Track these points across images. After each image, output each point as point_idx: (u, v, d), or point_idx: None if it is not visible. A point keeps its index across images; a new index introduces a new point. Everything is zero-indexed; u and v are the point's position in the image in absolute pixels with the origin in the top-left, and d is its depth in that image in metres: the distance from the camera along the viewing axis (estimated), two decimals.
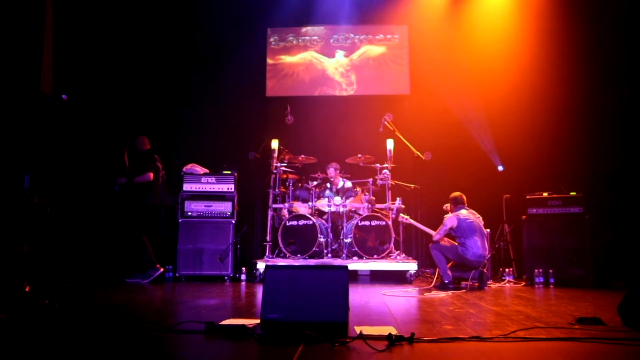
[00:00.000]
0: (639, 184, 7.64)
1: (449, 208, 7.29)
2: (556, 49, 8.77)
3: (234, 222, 7.91)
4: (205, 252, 7.79)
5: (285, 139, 8.51)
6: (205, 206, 7.89)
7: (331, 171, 8.60)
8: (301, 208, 8.18)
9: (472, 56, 9.23)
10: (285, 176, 8.34)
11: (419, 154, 8.19)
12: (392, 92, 9.78)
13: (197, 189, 7.98)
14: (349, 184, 8.60)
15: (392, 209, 7.92)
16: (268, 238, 8.03)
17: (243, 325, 3.94)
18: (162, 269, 7.70)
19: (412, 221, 7.54)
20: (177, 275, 7.75)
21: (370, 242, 7.56)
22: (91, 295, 6.04)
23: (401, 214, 7.68)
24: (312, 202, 8.05)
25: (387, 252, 7.58)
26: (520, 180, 8.59)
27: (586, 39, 8.56)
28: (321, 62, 9.96)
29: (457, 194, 7.20)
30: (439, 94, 9.32)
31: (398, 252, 7.81)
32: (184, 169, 8.13)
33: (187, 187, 8.00)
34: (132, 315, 4.59)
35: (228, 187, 8.03)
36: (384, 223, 7.65)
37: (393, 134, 8.26)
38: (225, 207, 7.91)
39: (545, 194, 7.73)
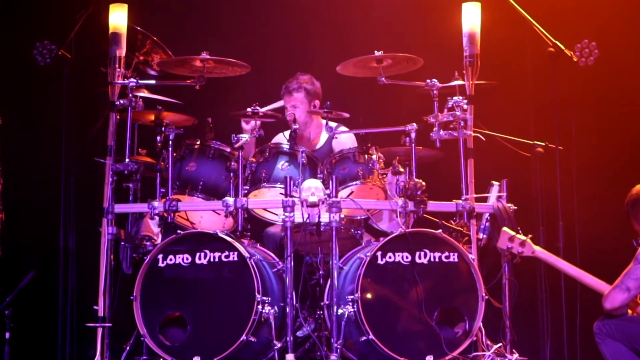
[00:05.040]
0: None
1: None
2: None
3: None
4: None
5: (149, 5, 5.13)
6: None
7: (296, 100, 5.02)
8: (205, 216, 4.74)
9: None
10: (152, 118, 4.64)
11: (565, 50, 4.55)
12: None
13: None
14: (345, 137, 5.13)
15: (482, 216, 4.47)
16: (101, 308, 4.19)
17: None
18: None
19: (542, 252, 4.12)
20: None
21: (410, 315, 4.34)
22: None
23: (506, 230, 4.08)
24: (235, 193, 4.44)
25: (464, 344, 4.16)
26: None
27: None
28: None
29: None
30: None
31: (499, 345, 4.25)
32: None
33: None
34: None
35: None
36: (452, 258, 4.33)
37: None
38: None
39: None
